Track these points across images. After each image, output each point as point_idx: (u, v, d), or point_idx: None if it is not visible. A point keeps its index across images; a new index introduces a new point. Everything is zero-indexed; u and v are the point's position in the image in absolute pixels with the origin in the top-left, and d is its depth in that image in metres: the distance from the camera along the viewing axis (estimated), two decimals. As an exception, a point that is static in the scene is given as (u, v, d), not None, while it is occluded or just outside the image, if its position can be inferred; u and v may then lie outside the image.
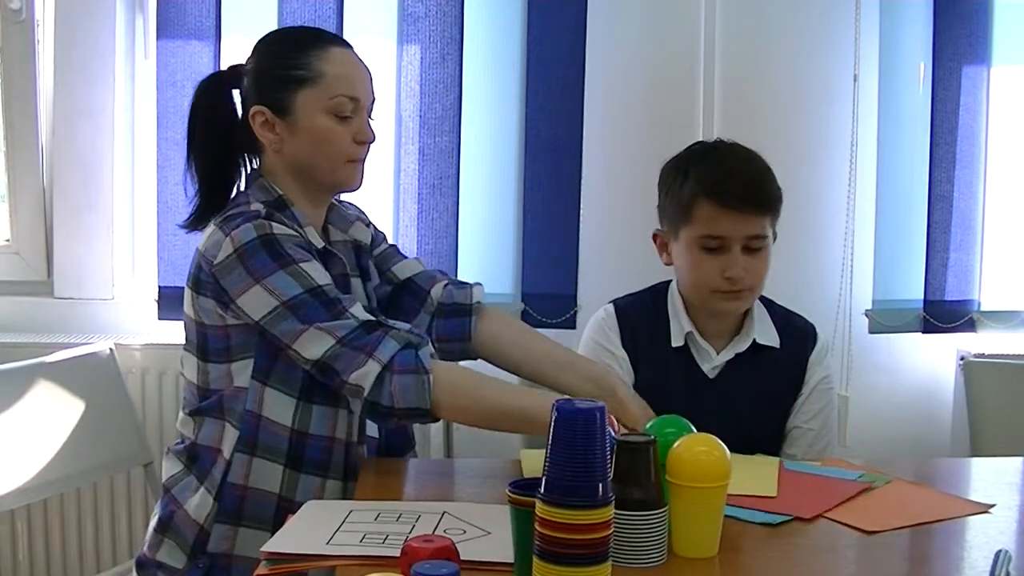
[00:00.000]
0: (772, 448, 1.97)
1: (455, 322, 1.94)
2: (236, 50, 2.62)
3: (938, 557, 1.45)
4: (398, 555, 1.17)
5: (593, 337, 2.06)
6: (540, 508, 1.11)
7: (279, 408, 1.72)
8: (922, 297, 2.80)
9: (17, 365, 2.16)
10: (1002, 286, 2.87)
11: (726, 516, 1.36)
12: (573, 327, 2.70)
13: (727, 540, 1.35)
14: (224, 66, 2.59)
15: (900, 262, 2.81)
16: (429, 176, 2.69)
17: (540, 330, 2.69)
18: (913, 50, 2.77)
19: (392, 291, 1.97)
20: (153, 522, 1.79)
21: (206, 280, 1.70)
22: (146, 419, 2.58)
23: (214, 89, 1.84)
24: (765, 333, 2.00)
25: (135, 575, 1.81)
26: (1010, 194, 2.85)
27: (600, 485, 1.11)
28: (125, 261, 2.81)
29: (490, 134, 2.73)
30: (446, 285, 1.98)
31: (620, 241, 2.73)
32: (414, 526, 1.39)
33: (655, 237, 2.03)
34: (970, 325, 2.82)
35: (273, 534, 1.43)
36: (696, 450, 1.33)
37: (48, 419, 2.16)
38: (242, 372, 1.72)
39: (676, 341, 1.98)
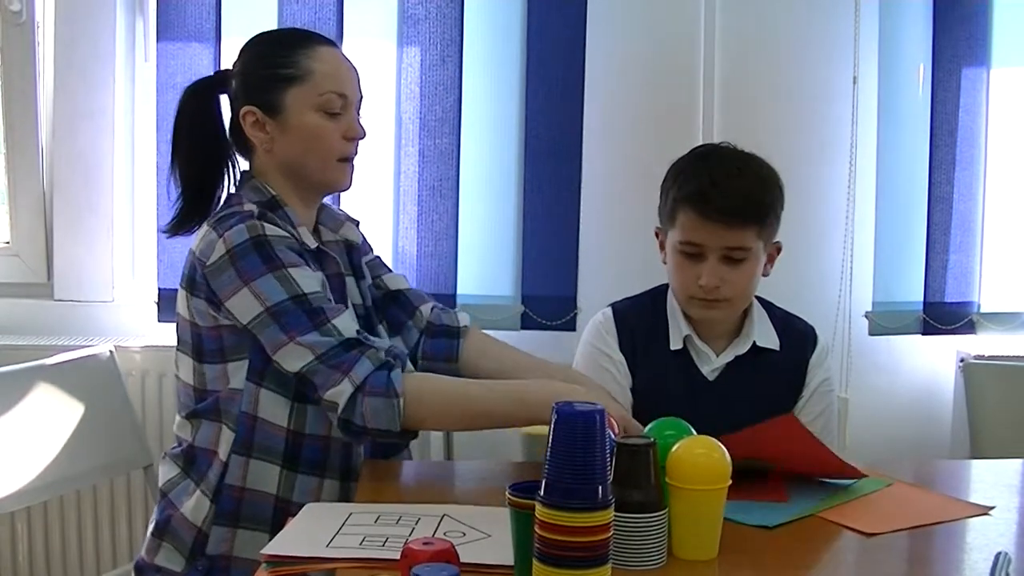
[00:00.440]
0: None
1: (443, 342, 1.98)
2: (236, 52, 2.63)
3: (938, 559, 1.45)
4: (398, 558, 1.17)
5: (590, 341, 2.06)
6: (540, 511, 1.12)
7: (274, 408, 1.72)
8: (922, 299, 2.80)
9: (17, 367, 2.16)
10: (1002, 288, 2.87)
11: (726, 518, 1.36)
12: (573, 329, 2.71)
13: (727, 542, 1.36)
14: (223, 68, 2.61)
15: (900, 264, 2.81)
16: (429, 178, 2.69)
17: (540, 332, 2.72)
18: (913, 52, 2.77)
19: (382, 298, 1.98)
20: (151, 527, 1.79)
21: (199, 281, 1.70)
22: (146, 421, 2.58)
23: (201, 94, 1.85)
24: (765, 335, 2.00)
25: (133, 578, 1.81)
26: (1010, 196, 2.86)
27: (600, 488, 1.11)
28: (125, 263, 2.81)
29: (490, 136, 2.74)
30: (434, 308, 2.02)
31: (620, 243, 2.73)
32: (414, 529, 1.39)
33: (657, 234, 2.04)
34: (970, 327, 2.82)
35: (271, 535, 1.43)
36: (696, 452, 1.34)
37: (48, 421, 2.16)
38: (237, 373, 1.72)
39: (675, 344, 1.98)
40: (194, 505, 1.72)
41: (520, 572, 1.19)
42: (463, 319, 2.01)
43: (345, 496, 1.76)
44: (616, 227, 2.75)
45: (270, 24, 2.60)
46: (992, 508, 1.56)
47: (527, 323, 2.74)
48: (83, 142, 2.72)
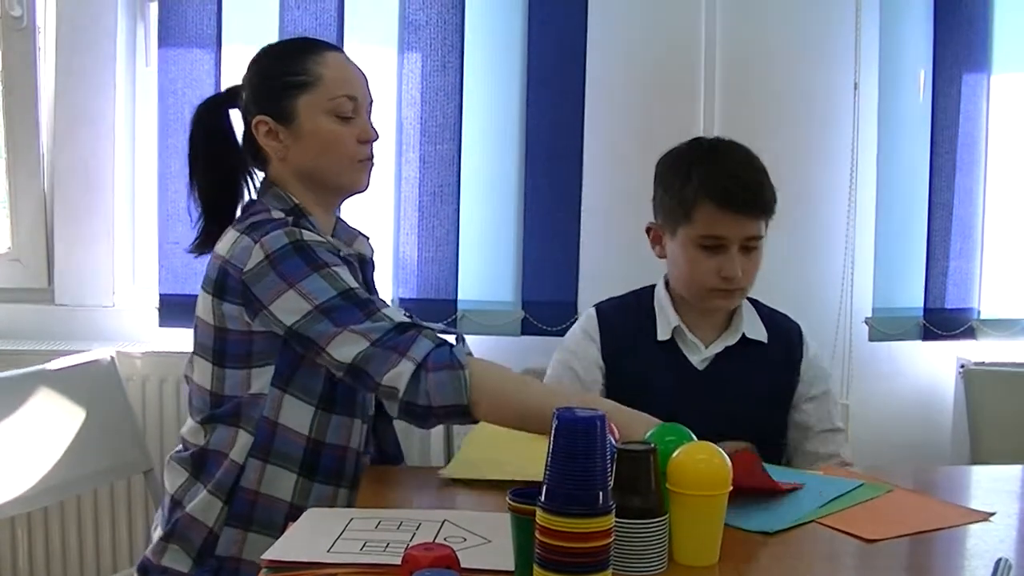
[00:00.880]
0: (764, 439, 1.98)
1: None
2: (237, 59, 2.63)
3: (938, 565, 1.45)
4: (399, 563, 1.17)
5: (566, 340, 2.09)
6: (541, 516, 1.12)
7: (297, 416, 1.71)
8: (922, 305, 2.81)
9: (18, 372, 2.16)
10: (1002, 294, 2.87)
11: (726, 524, 1.36)
12: (573, 335, 2.71)
13: (727, 548, 1.35)
14: (224, 74, 2.63)
15: (900, 270, 2.81)
16: (430, 184, 2.70)
17: (541, 338, 2.71)
18: (913, 58, 2.78)
19: None
20: (158, 529, 1.78)
21: (233, 286, 1.69)
22: (146, 426, 2.59)
23: (213, 111, 1.85)
24: (753, 327, 2.03)
25: (137, 581, 1.80)
26: (1010, 202, 2.86)
27: (600, 493, 1.11)
28: (126, 268, 2.81)
29: (491, 142, 2.74)
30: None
31: (620, 248, 2.73)
32: (415, 534, 1.39)
33: (648, 230, 2.05)
34: (970, 333, 2.82)
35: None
36: (696, 458, 1.33)
37: (49, 426, 2.16)
38: (260, 378, 1.71)
39: (663, 335, 2.00)
40: (204, 506, 1.71)
41: (521, 578, 1.19)
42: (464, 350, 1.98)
43: (355, 507, 1.75)
44: (616, 233, 2.75)
45: (271, 30, 2.61)
46: (992, 514, 1.55)
47: (527, 329, 2.74)
48: (84, 147, 2.73)
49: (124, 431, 2.31)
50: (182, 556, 1.73)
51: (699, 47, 2.78)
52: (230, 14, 2.64)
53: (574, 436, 1.11)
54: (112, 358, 2.35)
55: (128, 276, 2.82)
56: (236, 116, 1.85)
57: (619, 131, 2.77)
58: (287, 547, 1.36)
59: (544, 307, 2.74)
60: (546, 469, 1.12)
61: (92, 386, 2.29)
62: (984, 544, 1.46)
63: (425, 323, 1.68)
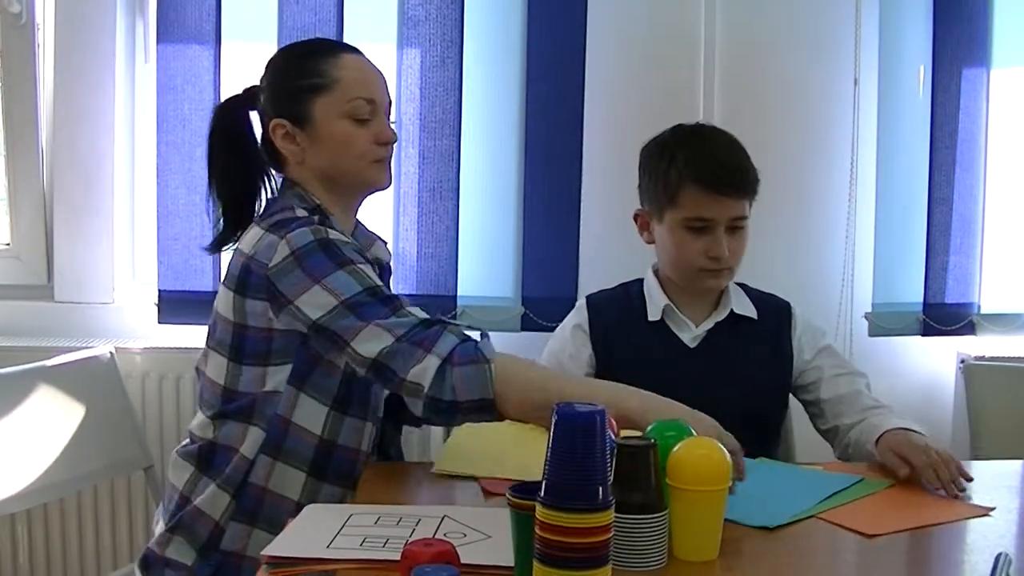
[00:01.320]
0: (759, 414, 2.00)
1: None
2: (236, 55, 2.63)
3: (938, 560, 1.45)
4: (398, 559, 1.17)
5: (557, 332, 2.13)
6: (540, 512, 1.11)
7: (311, 415, 1.71)
8: (922, 300, 2.81)
9: (17, 369, 2.16)
10: (1002, 289, 2.87)
11: (726, 519, 1.36)
12: (574, 330, 2.70)
13: (727, 543, 1.35)
14: (224, 70, 2.63)
15: (900, 265, 2.81)
16: (429, 180, 2.70)
17: (541, 334, 2.71)
18: (913, 53, 2.77)
19: None
20: (160, 524, 1.78)
21: (257, 283, 1.68)
22: (146, 423, 2.58)
23: (231, 112, 1.84)
24: (742, 305, 2.06)
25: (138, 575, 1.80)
26: (1010, 197, 2.86)
27: (600, 489, 1.11)
28: (125, 265, 2.81)
29: (490, 138, 2.74)
30: None
31: (620, 244, 2.71)
32: (414, 530, 1.39)
33: (636, 217, 2.08)
34: (970, 328, 2.82)
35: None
36: (696, 453, 1.33)
37: (48, 423, 2.16)
38: (277, 376, 1.70)
39: (653, 316, 2.04)
40: (211, 499, 1.71)
41: (520, 573, 1.19)
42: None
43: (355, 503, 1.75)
44: (616, 228, 2.73)
45: (270, 26, 2.61)
46: (992, 509, 1.56)
47: (527, 325, 2.73)
48: (83, 144, 2.72)
49: (124, 428, 2.31)
50: (186, 548, 1.73)
51: (699, 42, 2.77)
52: (229, 10, 2.64)
53: (574, 431, 1.11)
54: (111, 355, 2.36)
55: (127, 272, 2.82)
56: (254, 116, 1.84)
57: (619, 126, 2.76)
58: (287, 543, 1.36)
59: (544, 303, 2.74)
60: (546, 464, 1.12)
61: (92, 383, 2.29)
62: (984, 539, 1.47)
63: (450, 320, 1.68)
